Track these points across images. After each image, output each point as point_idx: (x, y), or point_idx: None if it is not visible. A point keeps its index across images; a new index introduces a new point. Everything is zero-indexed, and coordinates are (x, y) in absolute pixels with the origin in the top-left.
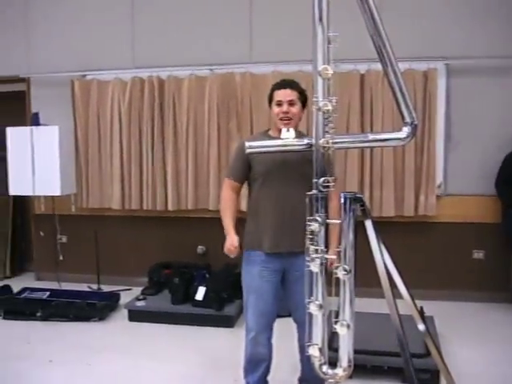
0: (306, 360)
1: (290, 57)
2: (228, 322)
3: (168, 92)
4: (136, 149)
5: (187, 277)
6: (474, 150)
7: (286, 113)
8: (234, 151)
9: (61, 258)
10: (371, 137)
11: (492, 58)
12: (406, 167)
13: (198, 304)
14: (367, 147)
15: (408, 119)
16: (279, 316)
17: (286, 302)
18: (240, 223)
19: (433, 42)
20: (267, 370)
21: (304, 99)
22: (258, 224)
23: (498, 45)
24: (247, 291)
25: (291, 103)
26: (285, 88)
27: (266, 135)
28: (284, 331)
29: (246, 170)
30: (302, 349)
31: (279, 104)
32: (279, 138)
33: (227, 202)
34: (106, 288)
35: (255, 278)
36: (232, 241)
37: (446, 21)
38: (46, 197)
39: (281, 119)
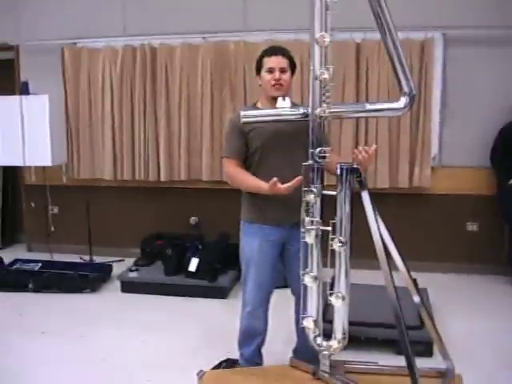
0: (301, 332)
1: (285, 25)
2: (221, 293)
3: (160, 60)
4: (128, 118)
5: (180, 248)
6: (470, 122)
7: (278, 80)
8: (229, 128)
9: (52, 229)
10: (368, 106)
11: (489, 28)
12: (401, 139)
13: (191, 275)
14: (364, 117)
15: (406, 89)
16: (276, 287)
17: (285, 273)
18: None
19: (430, 12)
20: (262, 343)
21: (293, 66)
22: (259, 197)
23: (495, 15)
24: (247, 264)
25: (283, 70)
26: (276, 55)
27: (254, 108)
28: (280, 302)
29: (245, 146)
30: (299, 321)
31: (271, 71)
32: (269, 109)
33: (239, 172)
34: (98, 259)
35: (257, 251)
36: (271, 182)
37: None
38: (36, 167)
39: (273, 85)
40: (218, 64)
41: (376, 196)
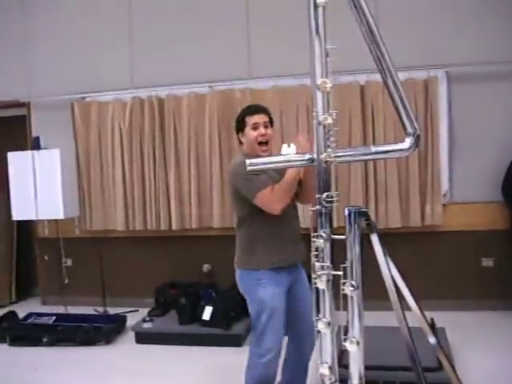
0: (293, 368)
1: (290, 71)
2: (236, 341)
3: (168, 111)
4: (138, 169)
5: (194, 296)
6: (479, 157)
7: (264, 135)
8: (242, 170)
9: (66, 281)
10: (374, 149)
11: (492, 63)
12: (411, 177)
13: (205, 324)
14: (370, 160)
15: (410, 129)
16: None
17: (288, 314)
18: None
19: (432, 50)
20: None
21: (272, 122)
22: (274, 244)
23: (498, 50)
24: (271, 313)
25: (266, 125)
26: (258, 113)
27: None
28: None
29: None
30: (302, 362)
31: (255, 127)
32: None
33: (275, 189)
34: (112, 310)
35: (279, 298)
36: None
37: (445, 28)
38: (49, 220)
39: (259, 143)
40: (225, 112)
41: (389, 236)
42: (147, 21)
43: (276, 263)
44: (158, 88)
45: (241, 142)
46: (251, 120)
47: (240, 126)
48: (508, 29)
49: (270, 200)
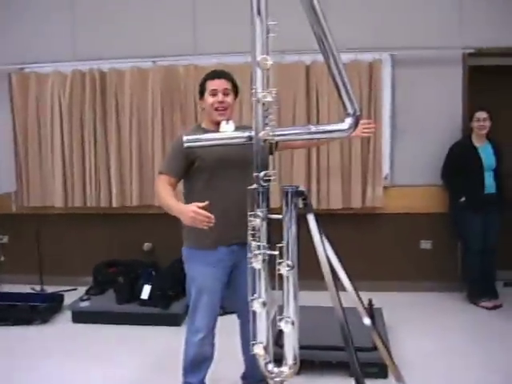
0: (248, 357)
1: (235, 48)
2: (175, 321)
3: (110, 85)
4: (78, 144)
5: (132, 275)
6: (420, 141)
7: (222, 102)
8: (173, 146)
9: (2, 258)
10: (313, 129)
11: (436, 48)
12: (353, 159)
13: (143, 303)
14: (309, 139)
15: (350, 110)
16: (229, 313)
17: (232, 297)
18: None
19: (378, 33)
20: (208, 369)
21: (236, 90)
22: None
23: (443, 35)
24: (199, 291)
25: (226, 93)
26: (219, 78)
27: (199, 129)
28: (229, 328)
29: (187, 166)
30: (244, 345)
31: (214, 94)
32: (214, 130)
33: (167, 192)
34: (50, 289)
35: (209, 278)
36: (193, 207)
37: (391, 12)
38: None
39: (216, 109)
40: (168, 88)
41: (329, 217)
42: None
43: (209, 243)
44: (99, 61)
45: (203, 109)
46: (210, 85)
47: (201, 90)
48: (453, 15)
49: (158, 185)
